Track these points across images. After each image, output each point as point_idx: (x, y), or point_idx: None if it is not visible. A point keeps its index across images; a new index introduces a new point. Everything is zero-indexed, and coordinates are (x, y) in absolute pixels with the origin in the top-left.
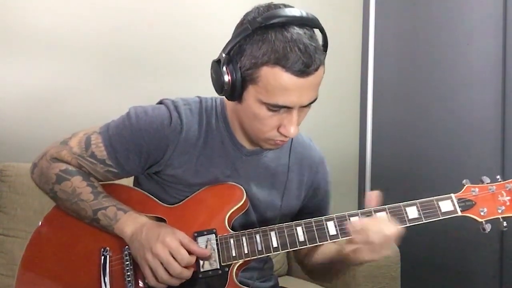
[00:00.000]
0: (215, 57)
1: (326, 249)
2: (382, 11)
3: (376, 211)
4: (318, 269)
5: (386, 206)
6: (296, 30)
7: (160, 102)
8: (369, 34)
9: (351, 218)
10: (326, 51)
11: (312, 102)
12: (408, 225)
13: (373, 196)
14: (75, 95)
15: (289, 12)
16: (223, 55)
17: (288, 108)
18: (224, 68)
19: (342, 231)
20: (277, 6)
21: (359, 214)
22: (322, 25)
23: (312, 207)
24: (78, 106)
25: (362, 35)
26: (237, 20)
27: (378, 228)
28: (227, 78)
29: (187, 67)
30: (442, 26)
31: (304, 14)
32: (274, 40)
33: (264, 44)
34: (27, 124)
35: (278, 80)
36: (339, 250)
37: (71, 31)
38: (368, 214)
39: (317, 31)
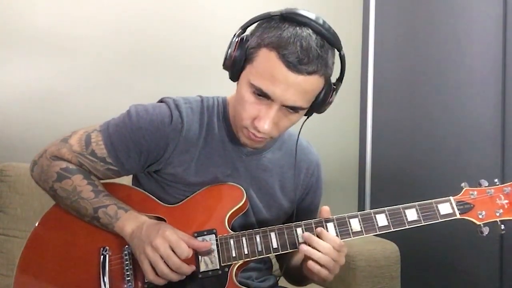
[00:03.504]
0: (216, 57)
1: (297, 255)
2: (382, 11)
3: (375, 213)
4: (289, 273)
5: (385, 208)
6: (309, 32)
7: (161, 101)
8: (369, 34)
9: (351, 220)
10: (341, 81)
11: (297, 108)
12: (407, 227)
13: (325, 213)
14: (75, 95)
15: (313, 17)
16: (240, 30)
17: (270, 100)
18: (234, 41)
19: (342, 232)
20: (307, 11)
21: (359, 215)
22: None
23: (301, 208)
24: (79, 106)
25: (362, 35)
26: (240, 21)
27: (323, 249)
28: (232, 52)
29: (188, 67)
30: (442, 26)
31: (327, 26)
32: (285, 30)
33: (274, 30)
34: (27, 124)
35: (269, 64)
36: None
37: (72, 31)
38: (368, 216)
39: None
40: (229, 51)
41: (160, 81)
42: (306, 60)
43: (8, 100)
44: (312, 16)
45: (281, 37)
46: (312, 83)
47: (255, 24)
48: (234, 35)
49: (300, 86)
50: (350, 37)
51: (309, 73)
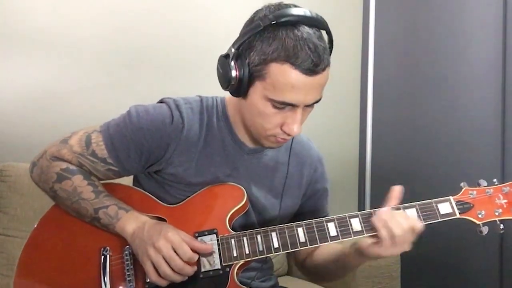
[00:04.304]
0: (216, 56)
1: (330, 249)
2: (382, 11)
3: (375, 213)
4: (319, 270)
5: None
6: (306, 30)
7: (161, 101)
8: (369, 34)
9: (351, 220)
10: (330, 54)
11: (316, 102)
12: None
13: (397, 192)
14: (75, 95)
15: (299, 11)
16: (232, 50)
17: (293, 106)
18: (233, 63)
19: (343, 232)
20: (288, 6)
21: (359, 215)
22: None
23: (310, 206)
24: (79, 106)
25: (362, 35)
26: (239, 19)
27: (403, 223)
28: (234, 73)
29: (188, 67)
30: (442, 26)
31: (314, 15)
32: (285, 37)
33: (274, 41)
34: (27, 124)
35: (286, 77)
36: (344, 248)
37: (72, 31)
38: (369, 215)
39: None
40: (232, 74)
41: (160, 81)
42: (319, 60)
43: (8, 100)
44: (300, 11)
45: (285, 47)
46: (326, 75)
47: (247, 38)
48: (229, 57)
49: (318, 84)
50: (350, 37)
51: (323, 69)
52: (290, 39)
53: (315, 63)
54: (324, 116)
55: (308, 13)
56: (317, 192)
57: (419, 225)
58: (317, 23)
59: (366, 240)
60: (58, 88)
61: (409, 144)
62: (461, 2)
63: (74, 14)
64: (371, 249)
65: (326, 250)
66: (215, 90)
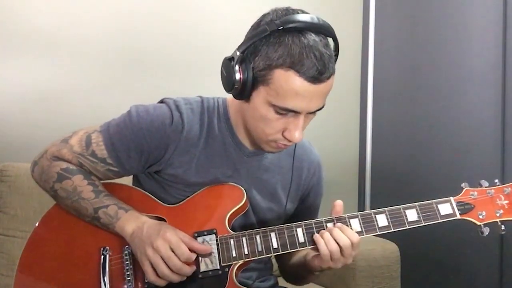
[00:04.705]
0: (217, 57)
1: (298, 252)
2: (382, 11)
3: (375, 213)
4: (289, 271)
5: (386, 208)
6: (313, 37)
7: (162, 101)
8: (369, 34)
9: (351, 220)
10: (336, 61)
11: (319, 110)
12: (407, 227)
13: (339, 207)
14: (75, 95)
15: (307, 18)
16: (237, 53)
17: (296, 113)
18: (237, 67)
19: None
20: (295, 11)
21: (359, 216)
22: None
23: (303, 208)
24: (79, 106)
25: (362, 35)
26: (239, 20)
27: (341, 240)
28: (238, 76)
29: (189, 67)
30: (442, 26)
31: (321, 22)
32: (291, 44)
33: (280, 47)
34: (27, 124)
35: (290, 84)
36: (305, 254)
37: (72, 31)
38: (368, 216)
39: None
40: (236, 77)
41: (160, 81)
42: (324, 68)
43: (8, 100)
44: (307, 17)
45: (291, 54)
46: (331, 84)
47: (253, 43)
48: (233, 60)
49: (322, 92)
50: (350, 37)
51: (328, 77)
52: (296, 46)
53: (320, 71)
54: (324, 116)
55: (315, 20)
56: (311, 196)
57: (358, 239)
58: (324, 30)
59: (310, 251)
60: (58, 88)
61: (409, 144)
62: (461, 2)
63: (74, 14)
64: (315, 261)
65: (295, 254)
66: (215, 90)
